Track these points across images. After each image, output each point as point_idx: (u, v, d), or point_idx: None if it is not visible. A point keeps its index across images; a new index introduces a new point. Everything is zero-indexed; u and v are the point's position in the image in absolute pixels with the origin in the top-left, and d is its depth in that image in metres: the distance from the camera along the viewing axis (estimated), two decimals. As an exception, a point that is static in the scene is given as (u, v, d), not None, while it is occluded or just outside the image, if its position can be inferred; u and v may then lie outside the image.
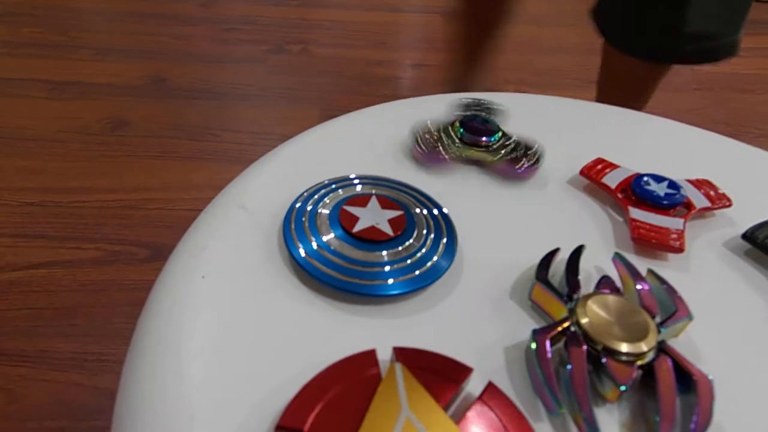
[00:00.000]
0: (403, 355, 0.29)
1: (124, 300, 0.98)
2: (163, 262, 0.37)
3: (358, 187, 0.41)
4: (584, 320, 0.31)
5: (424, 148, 0.47)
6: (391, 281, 0.35)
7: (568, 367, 0.30)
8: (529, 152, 0.48)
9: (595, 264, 0.39)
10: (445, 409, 0.26)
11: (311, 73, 1.68)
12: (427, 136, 0.49)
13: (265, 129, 1.43)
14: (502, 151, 0.47)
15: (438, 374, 0.28)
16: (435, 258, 0.37)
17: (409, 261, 0.36)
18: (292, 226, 0.37)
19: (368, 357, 0.28)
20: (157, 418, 0.28)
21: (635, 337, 0.30)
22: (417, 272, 0.36)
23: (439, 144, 0.48)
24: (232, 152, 1.34)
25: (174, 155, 1.32)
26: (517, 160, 0.47)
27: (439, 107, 0.54)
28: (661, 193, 0.43)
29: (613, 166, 0.47)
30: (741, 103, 1.73)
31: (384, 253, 0.36)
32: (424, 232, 0.38)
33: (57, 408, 0.82)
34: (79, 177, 1.23)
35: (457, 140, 0.48)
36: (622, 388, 0.28)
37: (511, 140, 0.49)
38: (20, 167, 1.24)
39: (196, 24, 1.92)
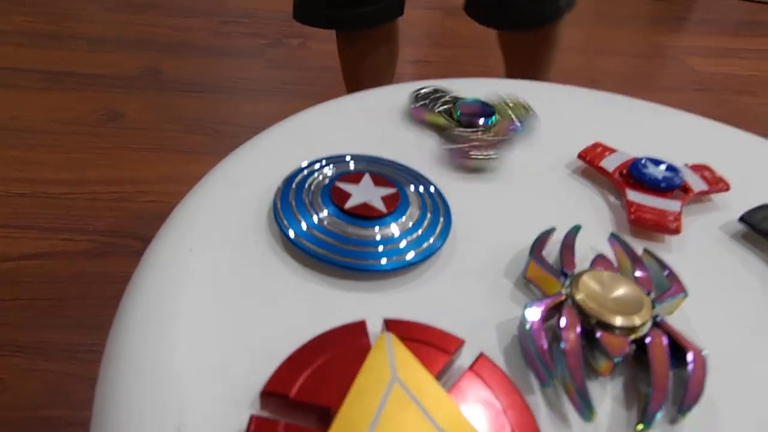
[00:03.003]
0: (394, 326, 0.28)
1: (117, 292, 0.96)
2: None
3: (351, 165, 0.41)
4: (579, 296, 0.31)
5: (416, 104, 0.50)
6: (384, 260, 0.34)
7: (562, 344, 0.29)
8: (490, 145, 0.46)
9: (591, 245, 0.39)
10: (436, 379, 0.26)
11: (310, 67, 1.67)
12: (425, 94, 0.51)
13: (263, 123, 1.41)
14: (471, 136, 0.47)
15: (429, 345, 0.27)
16: (428, 235, 0.36)
17: (402, 238, 0.35)
18: (282, 203, 0.37)
19: (358, 328, 0.28)
20: (144, 385, 0.27)
21: (629, 311, 0.30)
22: (410, 249, 0.35)
23: (429, 104, 0.50)
24: (228, 146, 1.31)
25: (169, 148, 1.31)
26: (471, 148, 0.45)
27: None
28: (659, 176, 0.43)
29: (611, 150, 0.47)
30: (740, 105, 1.73)
31: (376, 229, 0.36)
32: (418, 209, 0.38)
33: (51, 397, 0.81)
34: (72, 169, 1.22)
35: (453, 118, 0.48)
36: (616, 360, 0.28)
37: (491, 132, 0.48)
38: (12, 158, 1.23)
39: (193, 16, 1.90)
